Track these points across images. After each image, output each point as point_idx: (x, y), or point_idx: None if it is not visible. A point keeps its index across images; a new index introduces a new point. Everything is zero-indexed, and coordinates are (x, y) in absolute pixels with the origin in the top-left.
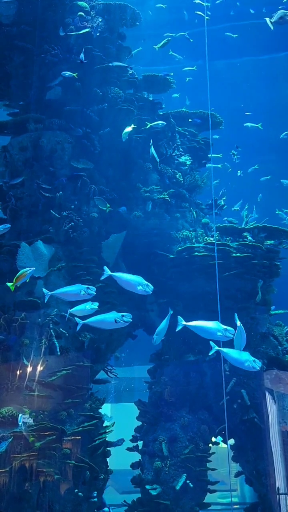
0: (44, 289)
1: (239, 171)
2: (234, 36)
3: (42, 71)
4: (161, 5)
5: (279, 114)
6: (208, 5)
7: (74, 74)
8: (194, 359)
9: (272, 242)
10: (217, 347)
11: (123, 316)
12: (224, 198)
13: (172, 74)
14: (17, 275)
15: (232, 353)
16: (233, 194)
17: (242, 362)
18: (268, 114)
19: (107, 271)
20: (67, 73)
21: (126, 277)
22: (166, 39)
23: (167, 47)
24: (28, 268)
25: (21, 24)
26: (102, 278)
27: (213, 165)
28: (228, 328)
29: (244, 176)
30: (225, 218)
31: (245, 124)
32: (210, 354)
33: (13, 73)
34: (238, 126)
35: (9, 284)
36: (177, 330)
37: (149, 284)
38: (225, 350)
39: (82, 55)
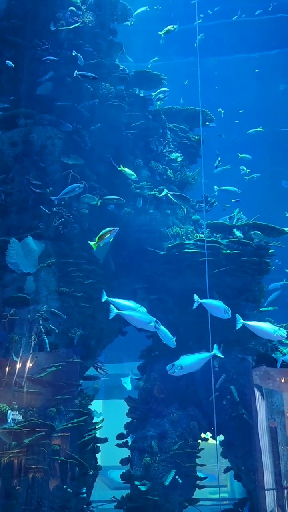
0: (107, 298)
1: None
2: (200, 19)
3: (33, 66)
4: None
5: (270, 111)
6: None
7: (12, 66)
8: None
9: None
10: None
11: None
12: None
13: (150, 67)
14: (100, 234)
15: None
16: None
17: None
18: (259, 111)
19: (197, 299)
20: (10, 63)
21: (214, 303)
22: (172, 25)
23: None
24: (112, 228)
25: (11, 18)
26: (194, 307)
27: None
28: (282, 328)
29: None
30: (225, 217)
31: (218, 110)
32: (278, 367)
33: (3, 67)
34: (230, 123)
35: (91, 242)
36: (237, 328)
37: (228, 308)
38: None
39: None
